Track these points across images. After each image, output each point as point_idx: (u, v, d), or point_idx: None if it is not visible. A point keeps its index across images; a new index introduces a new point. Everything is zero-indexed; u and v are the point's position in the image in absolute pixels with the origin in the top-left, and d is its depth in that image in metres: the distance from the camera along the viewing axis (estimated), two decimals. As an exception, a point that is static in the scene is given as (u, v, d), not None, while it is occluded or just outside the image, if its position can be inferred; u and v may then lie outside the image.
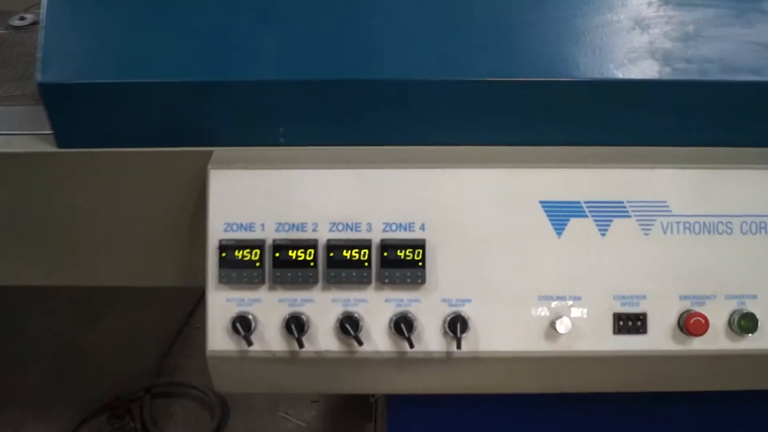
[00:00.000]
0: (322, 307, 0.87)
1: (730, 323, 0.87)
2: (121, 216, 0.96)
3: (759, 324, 0.86)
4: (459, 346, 0.84)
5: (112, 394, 1.92)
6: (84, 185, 0.94)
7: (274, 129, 0.90)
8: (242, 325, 0.85)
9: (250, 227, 0.87)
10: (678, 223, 0.88)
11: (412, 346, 0.84)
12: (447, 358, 0.87)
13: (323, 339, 0.87)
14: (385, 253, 0.86)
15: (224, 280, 0.86)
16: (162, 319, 2.14)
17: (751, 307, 0.87)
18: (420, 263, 0.86)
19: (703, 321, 0.85)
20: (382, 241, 0.86)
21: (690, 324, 0.85)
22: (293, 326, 0.85)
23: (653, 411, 0.98)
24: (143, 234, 0.97)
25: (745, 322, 0.86)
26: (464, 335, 0.85)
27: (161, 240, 0.97)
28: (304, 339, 0.86)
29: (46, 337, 2.14)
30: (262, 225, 0.87)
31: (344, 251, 0.86)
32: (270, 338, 0.87)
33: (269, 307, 0.87)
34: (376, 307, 0.87)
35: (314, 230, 0.87)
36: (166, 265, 0.99)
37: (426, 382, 0.89)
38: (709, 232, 0.88)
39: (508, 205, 0.87)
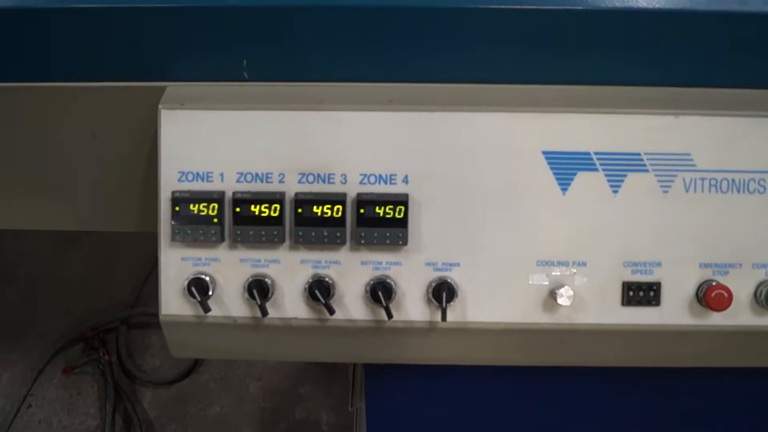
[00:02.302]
0: (289, 268, 0.77)
1: (756, 296, 0.77)
2: (72, 158, 0.86)
3: (790, 297, 0.76)
4: (444, 318, 0.75)
5: (89, 324, 1.88)
6: (27, 122, 0.84)
7: (236, 62, 0.78)
8: (198, 289, 0.76)
9: (207, 177, 0.77)
10: (703, 179, 0.76)
11: (390, 316, 0.75)
12: (430, 329, 0.77)
13: (290, 305, 0.77)
14: (362, 210, 0.75)
15: (178, 237, 0.76)
16: (140, 248, 2.05)
17: (781, 277, 0.77)
18: (401, 221, 0.75)
19: (726, 294, 0.75)
20: (359, 195, 0.75)
21: (711, 297, 0.75)
22: (255, 291, 0.76)
23: (657, 383, 0.89)
24: (97, 178, 0.87)
25: (774, 295, 0.76)
26: (450, 304, 0.76)
27: (118, 185, 0.87)
28: (269, 304, 0.77)
29: (22, 261, 2.08)
30: (222, 175, 0.77)
31: (314, 206, 0.75)
32: (230, 303, 0.78)
33: (229, 267, 0.77)
34: (350, 270, 0.77)
35: (281, 181, 0.76)
36: (125, 211, 0.89)
37: (406, 353, 0.80)
38: (738, 190, 0.76)
39: (505, 156, 0.76)
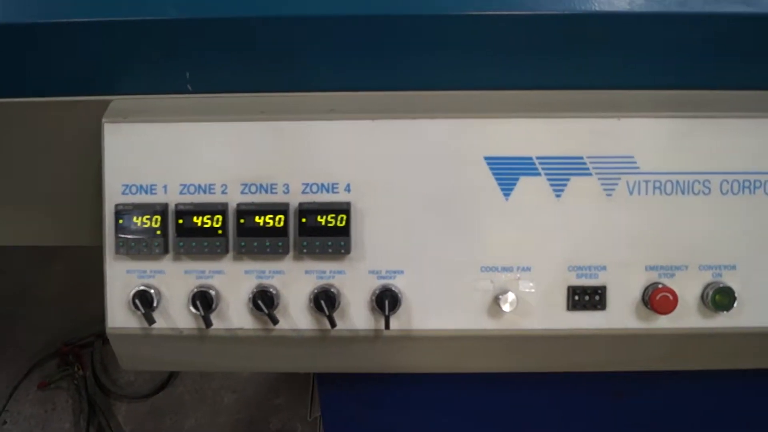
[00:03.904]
0: (234, 279, 0.79)
1: (703, 298, 0.78)
2: (21, 173, 0.88)
3: (736, 299, 0.77)
4: (387, 326, 0.76)
5: (65, 339, 1.90)
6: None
7: (179, 74, 0.80)
8: (142, 301, 0.78)
9: (150, 189, 0.79)
10: (647, 181, 0.78)
11: (333, 325, 0.77)
12: (375, 337, 0.79)
13: (235, 315, 0.79)
14: (304, 219, 0.77)
15: (122, 249, 0.78)
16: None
17: (728, 279, 0.78)
18: (344, 230, 0.77)
19: (671, 297, 0.76)
20: (300, 204, 0.77)
21: (656, 301, 0.77)
22: (199, 303, 0.77)
23: (614, 386, 0.91)
24: (48, 192, 0.89)
25: (720, 298, 0.77)
26: (395, 312, 0.77)
27: (69, 199, 0.89)
28: (214, 315, 0.79)
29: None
30: (165, 187, 0.79)
31: (256, 217, 0.77)
32: (176, 314, 0.80)
33: (174, 279, 0.79)
34: (294, 279, 0.79)
35: (223, 192, 0.78)
36: (77, 225, 0.91)
37: (352, 362, 0.81)
38: (682, 192, 0.78)
39: (447, 162, 0.77)
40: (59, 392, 1.84)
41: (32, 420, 1.79)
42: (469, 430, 0.93)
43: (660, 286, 0.77)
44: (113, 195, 0.79)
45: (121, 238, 0.78)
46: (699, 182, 0.78)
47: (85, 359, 1.89)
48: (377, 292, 0.78)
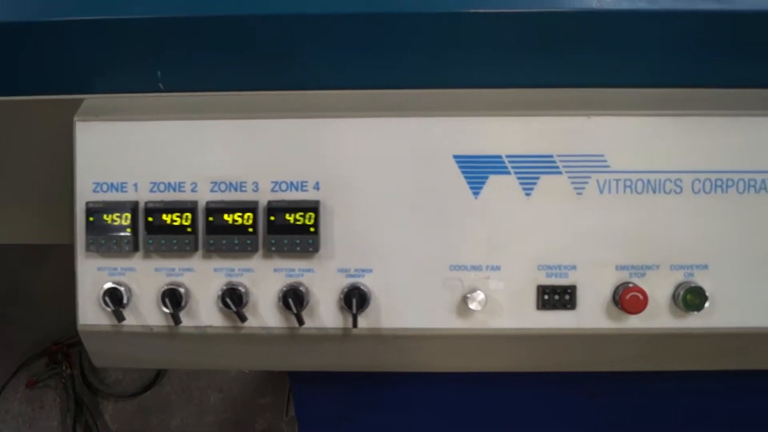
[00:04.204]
0: (203, 277, 0.79)
1: (674, 298, 0.78)
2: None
3: (707, 299, 0.77)
4: (355, 324, 0.77)
5: (54, 338, 1.90)
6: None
7: (150, 73, 0.81)
8: (112, 299, 0.79)
9: (121, 187, 0.79)
10: (617, 180, 0.78)
11: (301, 323, 0.77)
12: (344, 336, 0.79)
13: (205, 313, 0.80)
14: (272, 217, 0.77)
15: (93, 247, 0.79)
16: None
17: (700, 279, 0.78)
18: (312, 228, 0.77)
19: (641, 297, 0.76)
20: (269, 203, 0.77)
21: (626, 300, 0.76)
22: (168, 300, 0.78)
23: (590, 386, 0.91)
24: (25, 191, 0.90)
25: (691, 297, 0.77)
26: (363, 311, 0.78)
27: (46, 198, 0.89)
28: (184, 313, 0.79)
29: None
30: (135, 185, 0.79)
31: (225, 215, 0.77)
32: (146, 312, 0.80)
33: (144, 277, 0.80)
34: (263, 277, 0.79)
35: (193, 190, 0.79)
36: (53, 223, 0.91)
37: (322, 360, 0.82)
38: (654, 191, 0.78)
39: (416, 161, 0.77)
40: (47, 391, 1.85)
41: (20, 418, 1.80)
42: (443, 429, 0.93)
43: (630, 285, 0.78)
44: (84, 193, 0.80)
45: (91, 236, 0.79)
46: (670, 181, 0.78)
47: (74, 358, 1.90)
48: (346, 290, 0.78)
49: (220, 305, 0.79)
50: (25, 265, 1.99)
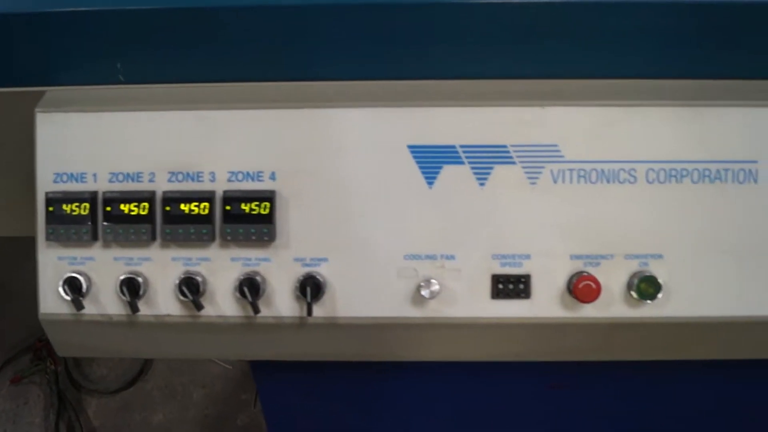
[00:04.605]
0: (161, 266, 0.80)
1: (629, 287, 0.79)
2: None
3: (661, 289, 0.78)
4: (309, 313, 0.78)
5: (40, 335, 1.92)
6: None
7: (110, 65, 0.83)
8: (71, 287, 0.80)
9: (81, 178, 0.81)
10: (571, 170, 0.78)
11: (256, 311, 0.78)
12: (300, 324, 0.80)
13: (163, 302, 0.81)
14: (228, 207, 0.78)
15: (52, 237, 0.80)
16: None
17: (654, 268, 0.78)
18: (267, 218, 0.78)
19: (594, 285, 0.77)
20: (225, 192, 0.79)
21: (578, 289, 0.77)
22: (126, 289, 0.79)
23: (552, 377, 0.91)
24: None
25: (645, 286, 0.78)
26: (319, 299, 0.79)
27: (10, 190, 0.91)
28: (143, 301, 0.81)
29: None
30: (95, 175, 0.81)
31: (182, 204, 0.79)
32: (106, 301, 0.81)
33: (103, 266, 0.81)
34: (220, 266, 0.80)
35: (151, 181, 0.80)
36: (16, 215, 0.93)
37: (279, 349, 0.83)
38: (608, 180, 0.78)
39: (371, 151, 0.78)
40: (32, 387, 1.87)
41: (4, 415, 1.82)
42: (403, 418, 0.93)
43: (584, 274, 0.78)
44: (45, 184, 0.81)
45: (51, 225, 0.80)
46: (624, 171, 0.79)
47: (58, 354, 1.91)
48: (301, 279, 0.79)
49: (178, 294, 0.80)
50: (9, 261, 2.01)
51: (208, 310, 0.80)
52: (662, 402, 0.92)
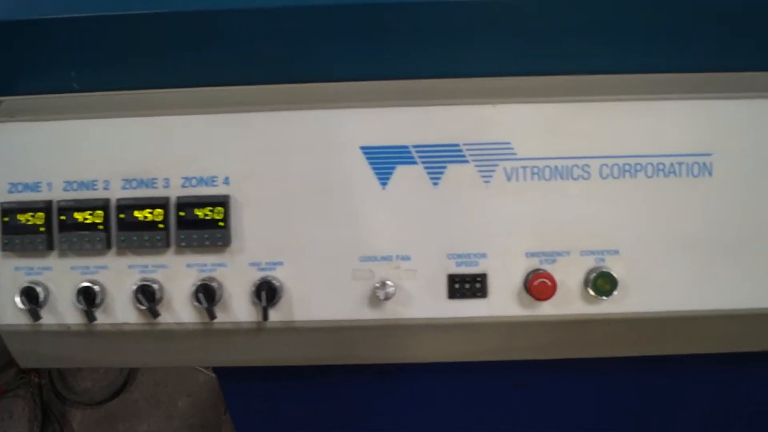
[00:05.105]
0: (118, 274, 0.81)
1: (585, 283, 0.79)
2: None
3: (618, 284, 0.77)
4: (265, 318, 0.78)
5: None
6: None
7: (64, 74, 0.83)
8: (28, 298, 0.80)
9: (35, 187, 0.81)
10: (525, 167, 0.78)
11: (212, 317, 0.78)
12: (258, 329, 0.80)
13: (121, 310, 0.81)
14: (182, 213, 0.79)
15: (8, 247, 0.80)
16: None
17: (611, 264, 0.78)
18: (221, 223, 0.78)
19: (549, 283, 0.77)
20: (178, 198, 0.79)
21: (534, 287, 0.77)
22: (82, 298, 0.80)
23: (516, 376, 0.91)
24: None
25: (601, 282, 0.77)
26: (275, 303, 0.79)
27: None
28: (100, 310, 0.81)
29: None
30: (49, 184, 0.81)
31: (135, 212, 0.79)
32: (64, 311, 0.82)
33: (60, 276, 0.81)
34: (176, 273, 0.80)
35: (105, 188, 0.80)
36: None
37: (238, 355, 0.83)
38: (561, 177, 0.78)
39: (323, 153, 0.79)
40: (17, 401, 1.87)
41: (-12, 430, 1.83)
42: (366, 420, 0.93)
43: (540, 271, 0.78)
44: (0, 194, 0.82)
45: (8, 235, 0.80)
46: (578, 167, 0.78)
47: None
48: (257, 283, 0.79)
49: (135, 302, 0.80)
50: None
51: (166, 317, 0.81)
52: (628, 398, 0.92)
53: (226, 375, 0.92)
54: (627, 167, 0.78)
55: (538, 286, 0.77)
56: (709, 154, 0.78)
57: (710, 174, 0.78)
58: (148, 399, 1.82)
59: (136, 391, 1.84)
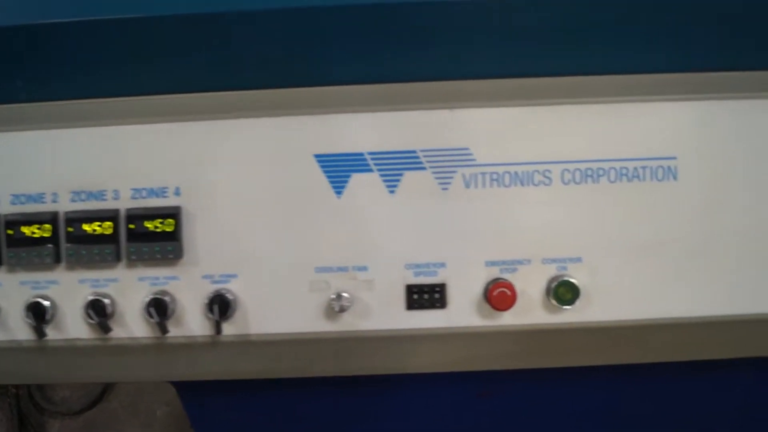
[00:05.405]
0: (68, 289, 0.78)
1: (547, 292, 0.77)
2: None
3: (580, 293, 0.75)
4: (219, 331, 0.76)
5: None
6: None
7: (10, 83, 0.81)
8: (-24, 314, 0.79)
9: (-19, 201, 0.80)
10: (483, 174, 0.76)
11: (164, 331, 0.76)
12: (213, 343, 0.79)
13: (73, 325, 0.79)
14: (132, 225, 0.77)
15: (-44, 263, 0.79)
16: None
17: (573, 272, 0.76)
18: (173, 235, 0.76)
19: (509, 292, 0.75)
20: (128, 210, 0.77)
21: (493, 296, 0.75)
22: (31, 314, 0.78)
23: (479, 386, 0.89)
24: None
25: (563, 291, 0.75)
26: (230, 317, 0.77)
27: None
28: (52, 325, 0.79)
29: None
30: (-4, 197, 0.79)
31: (84, 224, 0.77)
32: (14, 326, 0.80)
33: (10, 291, 0.79)
34: (128, 287, 0.78)
35: (54, 201, 0.78)
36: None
37: (193, 369, 0.80)
38: (522, 183, 0.76)
39: (276, 162, 0.76)
40: (-6, 411, 1.87)
41: (-35, 441, 1.82)
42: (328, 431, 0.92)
43: (500, 281, 0.76)
44: (-54, 209, 0.80)
45: (-45, 251, 0.79)
46: (539, 172, 0.76)
47: (21, 376, 1.91)
48: (210, 297, 0.77)
49: (86, 317, 0.78)
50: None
51: (119, 332, 0.79)
52: (593, 406, 0.90)
53: (185, 388, 0.90)
54: (589, 172, 0.76)
55: (498, 296, 0.75)
56: (673, 158, 0.76)
57: (675, 178, 0.76)
58: (127, 408, 1.81)
59: (114, 400, 1.82)
